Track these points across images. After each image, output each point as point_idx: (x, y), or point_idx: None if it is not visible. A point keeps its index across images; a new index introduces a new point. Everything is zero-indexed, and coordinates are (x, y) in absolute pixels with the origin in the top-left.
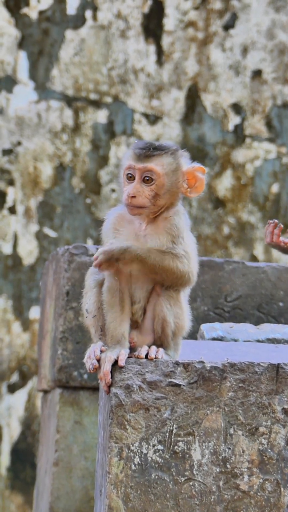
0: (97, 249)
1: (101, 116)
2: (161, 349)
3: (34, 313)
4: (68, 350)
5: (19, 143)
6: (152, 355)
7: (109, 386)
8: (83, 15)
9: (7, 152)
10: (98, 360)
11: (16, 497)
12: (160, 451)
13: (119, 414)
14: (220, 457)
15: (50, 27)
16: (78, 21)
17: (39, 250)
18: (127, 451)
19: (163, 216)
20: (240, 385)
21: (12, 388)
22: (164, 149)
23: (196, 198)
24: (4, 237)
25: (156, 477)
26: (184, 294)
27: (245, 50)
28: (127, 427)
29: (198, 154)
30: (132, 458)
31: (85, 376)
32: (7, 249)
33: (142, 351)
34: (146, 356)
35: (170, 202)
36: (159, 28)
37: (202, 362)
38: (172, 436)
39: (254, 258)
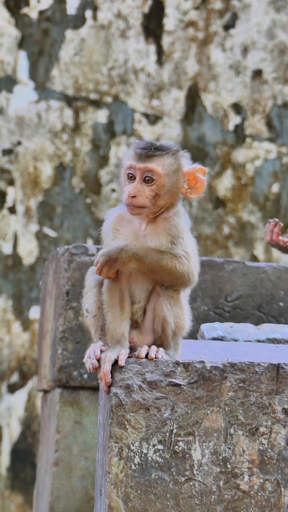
0: (98, 249)
1: (101, 116)
2: (161, 349)
3: (34, 313)
4: (68, 350)
5: (19, 143)
6: (152, 355)
7: (109, 386)
8: (83, 15)
9: (7, 152)
10: (98, 360)
11: (16, 497)
12: (160, 451)
13: (119, 414)
14: (220, 457)
15: (50, 27)
16: (78, 21)
17: (39, 250)
18: (127, 451)
19: (163, 216)
20: (240, 385)
21: (12, 388)
22: (165, 149)
23: (196, 198)
24: (4, 237)
25: (156, 477)
26: (185, 294)
27: (245, 50)
28: (127, 427)
29: (198, 154)
30: (132, 458)
31: (85, 376)
32: (7, 249)
33: (142, 351)
34: (146, 356)
35: (170, 202)
36: (159, 28)
37: (203, 362)
38: (172, 436)
39: (254, 258)
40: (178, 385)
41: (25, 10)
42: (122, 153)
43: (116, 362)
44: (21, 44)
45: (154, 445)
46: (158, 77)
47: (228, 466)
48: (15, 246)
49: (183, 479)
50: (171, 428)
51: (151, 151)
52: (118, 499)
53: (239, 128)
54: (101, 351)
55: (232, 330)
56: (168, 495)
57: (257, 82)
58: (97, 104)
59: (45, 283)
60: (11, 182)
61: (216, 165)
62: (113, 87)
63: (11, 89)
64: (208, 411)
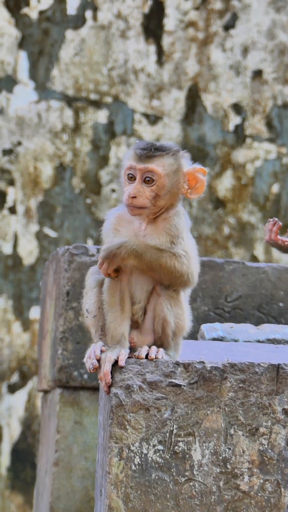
0: (98, 249)
1: (101, 116)
2: (161, 349)
3: (34, 313)
4: (68, 350)
5: (19, 143)
6: (152, 355)
7: (109, 386)
8: (83, 15)
9: (7, 152)
10: (98, 360)
11: (16, 497)
12: (160, 451)
13: (119, 414)
14: (221, 458)
15: (50, 27)
16: (78, 21)
17: (39, 250)
18: (127, 451)
19: (163, 216)
20: (240, 385)
21: (12, 388)
22: (166, 149)
23: (196, 199)
24: (4, 237)
25: (156, 477)
26: (185, 294)
27: (245, 50)
28: (127, 427)
29: (199, 154)
30: (132, 458)
31: (85, 376)
32: (7, 249)
33: (142, 351)
34: (146, 356)
35: (170, 203)
36: (160, 28)
37: (203, 362)
38: (172, 436)
39: (254, 258)
40: (178, 386)
41: (25, 10)
42: (122, 153)
43: (116, 362)
44: (21, 44)
45: (154, 446)
46: (158, 78)
47: (228, 466)
48: (15, 246)
49: (183, 479)
50: (171, 428)
51: (151, 151)
52: (118, 499)
53: (239, 129)
54: (101, 352)
55: (232, 331)
56: (168, 496)
57: (257, 82)
58: (97, 104)
59: (45, 283)
60: (11, 182)
61: (216, 165)
62: (113, 87)
63: (11, 89)
64: (208, 412)
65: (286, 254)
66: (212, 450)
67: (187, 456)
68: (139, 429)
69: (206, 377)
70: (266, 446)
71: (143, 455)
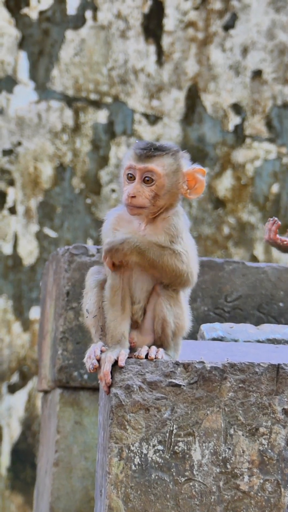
0: (98, 249)
1: (101, 116)
2: (161, 349)
3: (34, 313)
4: (68, 350)
5: (19, 143)
6: (152, 355)
7: (109, 387)
8: (83, 15)
9: (7, 152)
10: (98, 360)
11: (16, 498)
12: (160, 452)
13: (119, 415)
14: (220, 458)
15: (50, 27)
16: (78, 21)
17: (39, 250)
18: (127, 451)
19: (162, 216)
20: (240, 385)
21: (12, 389)
22: (165, 149)
23: (196, 199)
24: (4, 237)
25: (156, 477)
26: (184, 295)
27: (245, 50)
28: (127, 427)
29: (198, 154)
30: (132, 458)
31: (85, 376)
32: (7, 249)
33: (142, 351)
34: (146, 356)
35: (170, 203)
36: (159, 28)
37: (202, 362)
38: (172, 437)
39: (254, 258)
40: (178, 386)
41: (25, 10)
42: (122, 153)
43: (116, 362)
44: (21, 45)
45: (154, 446)
46: (158, 78)
47: (228, 466)
48: (15, 246)
49: (183, 479)
50: (171, 428)
51: (150, 151)
52: (118, 499)
53: (239, 129)
54: (101, 352)
55: (232, 331)
56: (168, 496)
57: (257, 82)
58: (97, 104)
59: (45, 283)
60: (11, 183)
61: (216, 165)
62: (113, 87)
63: (12, 89)
64: (208, 412)
65: (286, 254)
66: (212, 450)
67: (187, 456)
68: (139, 429)
69: (206, 377)
70: (266, 446)
71: (143, 455)
